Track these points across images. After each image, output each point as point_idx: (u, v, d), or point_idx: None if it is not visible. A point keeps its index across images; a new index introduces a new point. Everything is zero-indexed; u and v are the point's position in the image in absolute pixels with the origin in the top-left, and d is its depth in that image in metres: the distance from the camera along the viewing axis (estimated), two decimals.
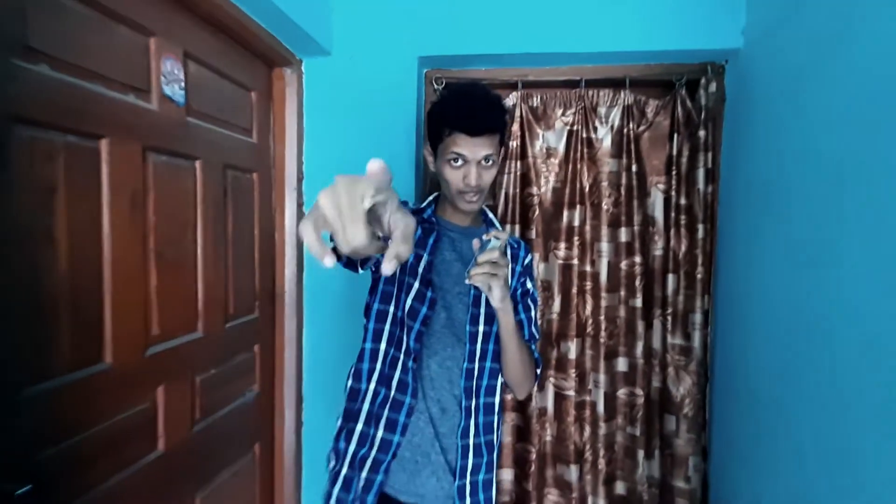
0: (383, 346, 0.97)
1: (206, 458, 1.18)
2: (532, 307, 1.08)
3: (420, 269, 0.98)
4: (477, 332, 1.02)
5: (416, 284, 0.97)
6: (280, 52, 1.39)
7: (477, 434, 0.99)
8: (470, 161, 0.95)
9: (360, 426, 0.98)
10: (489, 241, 0.84)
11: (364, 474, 0.96)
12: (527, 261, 1.10)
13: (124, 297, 0.92)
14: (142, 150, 0.96)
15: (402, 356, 0.96)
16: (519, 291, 1.08)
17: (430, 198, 1.08)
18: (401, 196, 1.47)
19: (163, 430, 1.04)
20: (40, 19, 0.75)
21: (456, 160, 0.95)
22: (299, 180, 1.52)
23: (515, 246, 1.10)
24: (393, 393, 0.97)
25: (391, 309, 0.97)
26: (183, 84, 1.07)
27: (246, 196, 1.36)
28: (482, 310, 1.03)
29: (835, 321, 0.97)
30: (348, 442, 0.98)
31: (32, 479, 0.73)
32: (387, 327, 0.97)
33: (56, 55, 0.77)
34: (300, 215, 1.53)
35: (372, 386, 0.99)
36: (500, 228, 1.10)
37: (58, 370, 0.80)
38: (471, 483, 0.98)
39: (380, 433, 0.97)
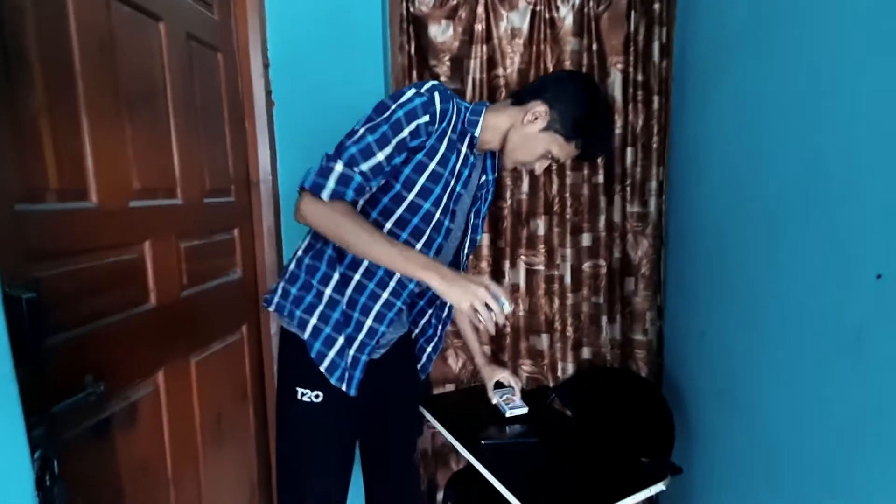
0: None
1: (198, 324, 1.23)
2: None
3: (444, 198, 1.00)
4: (465, 255, 1.20)
5: (438, 215, 1.00)
6: None
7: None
8: (555, 164, 1.05)
9: (344, 307, 1.03)
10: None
11: (352, 352, 1.03)
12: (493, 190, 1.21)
13: (102, 139, 0.92)
14: None
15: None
16: (483, 212, 1.19)
17: (479, 118, 1.01)
18: (366, 85, 1.47)
19: (153, 286, 1.06)
20: None
21: (552, 159, 1.02)
22: (265, 66, 1.50)
23: (493, 184, 1.17)
24: (387, 296, 1.03)
25: (412, 220, 0.99)
26: None
27: (212, 75, 1.34)
28: (468, 237, 1.18)
29: (772, 177, 1.09)
30: (332, 309, 1.03)
31: (35, 292, 0.75)
32: (405, 235, 1.00)
33: None
34: (269, 104, 1.53)
35: (363, 280, 1.02)
36: (496, 162, 1.14)
37: (45, 196, 0.81)
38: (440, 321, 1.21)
39: (369, 322, 1.03)
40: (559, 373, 1.72)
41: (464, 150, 1.01)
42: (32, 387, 0.71)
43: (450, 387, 1.76)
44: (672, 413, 1.41)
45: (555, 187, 1.63)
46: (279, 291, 1.11)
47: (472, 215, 1.16)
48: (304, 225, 0.95)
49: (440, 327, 1.26)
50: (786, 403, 1.05)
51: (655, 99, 1.53)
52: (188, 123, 1.20)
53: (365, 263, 1.02)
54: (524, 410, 1.28)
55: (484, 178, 1.13)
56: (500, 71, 1.57)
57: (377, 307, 1.03)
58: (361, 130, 0.91)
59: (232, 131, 1.42)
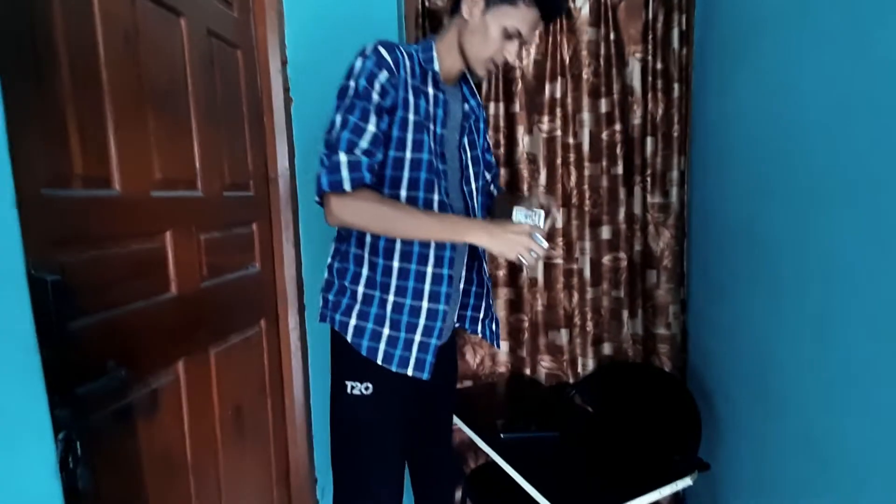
0: None
1: (217, 315, 1.23)
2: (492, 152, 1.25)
3: (431, 143, 0.98)
4: (471, 189, 1.11)
5: (436, 162, 0.99)
6: None
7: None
8: (522, 41, 0.94)
9: (394, 297, 1.00)
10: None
11: (418, 337, 1.01)
12: (484, 115, 1.19)
13: (126, 129, 0.94)
14: None
15: None
16: (487, 145, 1.20)
17: (432, 53, 1.00)
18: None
19: (174, 276, 1.08)
20: None
21: (513, 35, 0.92)
22: (283, 63, 1.52)
23: (479, 108, 1.15)
24: (432, 270, 1.00)
25: (421, 176, 0.98)
26: None
27: (232, 72, 1.36)
28: (472, 170, 1.12)
29: (801, 163, 1.05)
30: (384, 308, 1.01)
31: (59, 275, 0.77)
32: (421, 194, 0.98)
33: None
34: (288, 101, 1.55)
35: (403, 265, 1.00)
36: (473, 87, 1.14)
37: (70, 181, 0.83)
38: (488, 280, 1.17)
39: (425, 304, 1.01)
40: (580, 369, 1.69)
41: (430, 90, 0.99)
42: (56, 369, 0.72)
43: (468, 383, 1.74)
44: (699, 408, 1.36)
45: (573, 179, 1.60)
46: (321, 302, 1.11)
47: (465, 148, 1.10)
48: (343, 227, 0.98)
49: (485, 275, 1.21)
50: (820, 398, 1.00)
51: (676, 87, 1.50)
52: (208, 118, 1.22)
53: (398, 249, 1.00)
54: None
55: (467, 105, 1.10)
56: (516, 62, 1.56)
57: (427, 287, 1.01)
58: (339, 117, 0.92)
59: (251, 127, 1.44)
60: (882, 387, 0.84)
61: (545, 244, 0.90)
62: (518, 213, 0.93)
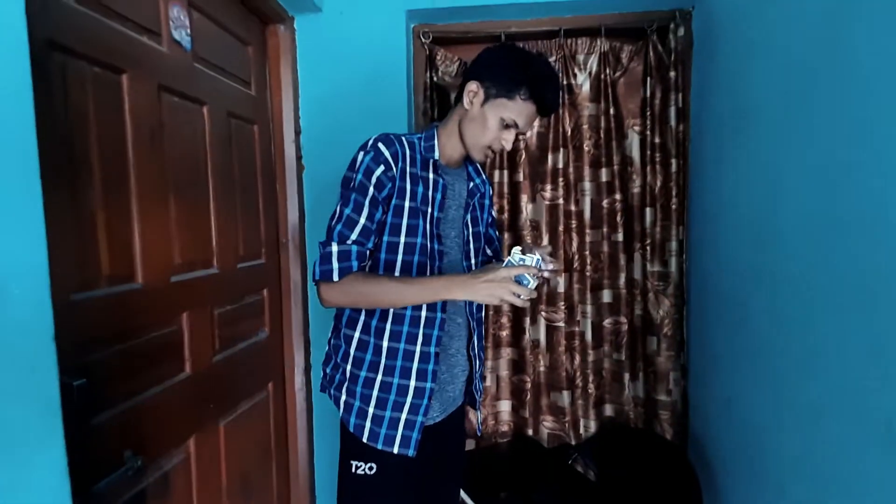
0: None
1: (227, 387, 1.27)
2: (495, 226, 1.32)
3: (427, 227, 1.02)
4: (470, 265, 1.16)
5: (430, 244, 1.03)
6: (273, 7, 1.45)
7: (480, 337, 1.18)
8: (518, 131, 1.02)
9: (382, 377, 1.03)
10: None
11: (404, 416, 1.03)
12: (490, 192, 1.26)
13: (150, 222, 0.99)
14: (157, 89, 1.03)
15: (425, 311, 1.03)
16: (491, 220, 1.27)
17: (433, 141, 1.06)
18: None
19: (189, 355, 1.11)
20: None
21: (510, 125, 1.00)
22: (297, 133, 1.59)
23: (484, 185, 1.19)
24: (420, 349, 1.03)
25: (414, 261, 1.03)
26: (189, 30, 1.13)
27: (249, 146, 1.42)
28: (472, 245, 1.17)
29: (790, 235, 1.09)
30: (370, 388, 1.04)
31: (85, 377, 0.80)
32: (414, 275, 1.02)
33: None
34: (300, 168, 1.61)
35: (392, 345, 1.02)
36: (479, 166, 1.19)
37: (98, 282, 0.87)
38: (478, 356, 1.19)
39: (412, 383, 1.03)
40: (581, 430, 1.70)
41: (430, 176, 1.05)
42: (78, 467, 0.75)
43: (470, 443, 1.75)
44: (699, 480, 1.38)
45: (574, 245, 1.65)
46: (321, 373, 1.15)
47: (468, 224, 1.14)
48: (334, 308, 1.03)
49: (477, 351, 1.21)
50: (817, 484, 1.02)
51: (673, 162, 1.56)
52: (225, 195, 1.28)
53: (388, 329, 1.04)
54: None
55: (471, 184, 1.15)
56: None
57: (415, 366, 1.03)
58: (338, 209, 1.00)
59: (264, 196, 1.50)
60: (869, 476, 0.86)
61: (533, 283, 0.90)
62: (514, 255, 0.95)
